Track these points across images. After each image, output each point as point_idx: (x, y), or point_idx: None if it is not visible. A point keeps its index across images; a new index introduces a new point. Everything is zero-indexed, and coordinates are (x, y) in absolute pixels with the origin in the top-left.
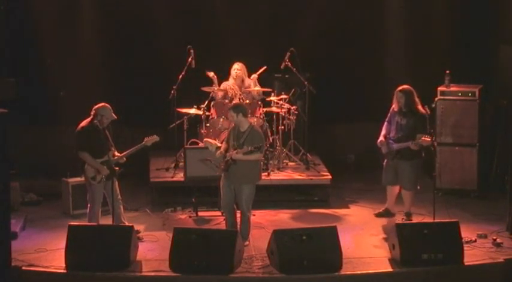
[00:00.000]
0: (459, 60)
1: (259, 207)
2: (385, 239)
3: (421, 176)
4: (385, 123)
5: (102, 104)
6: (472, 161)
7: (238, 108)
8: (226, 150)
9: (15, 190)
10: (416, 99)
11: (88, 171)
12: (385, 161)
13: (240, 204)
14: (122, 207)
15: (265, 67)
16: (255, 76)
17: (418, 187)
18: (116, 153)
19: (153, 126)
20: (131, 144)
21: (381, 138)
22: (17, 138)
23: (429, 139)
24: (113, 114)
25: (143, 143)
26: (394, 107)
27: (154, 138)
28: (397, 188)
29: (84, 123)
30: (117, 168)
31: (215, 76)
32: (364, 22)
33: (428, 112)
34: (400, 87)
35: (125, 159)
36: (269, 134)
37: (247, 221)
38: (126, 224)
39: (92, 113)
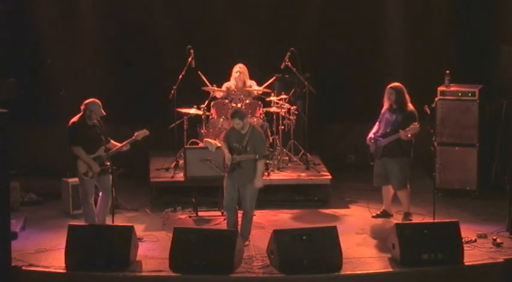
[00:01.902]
0: (459, 60)
1: (259, 207)
2: (385, 239)
3: (409, 175)
4: (377, 122)
5: (92, 99)
6: (472, 161)
7: (242, 113)
8: (229, 151)
9: (15, 190)
10: (407, 97)
11: (80, 166)
12: (374, 161)
13: (244, 204)
14: (109, 204)
15: (275, 77)
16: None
17: (408, 186)
18: (114, 143)
19: (153, 126)
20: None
21: (370, 135)
22: (17, 138)
23: (417, 125)
24: (102, 110)
25: (133, 137)
26: (385, 104)
27: (145, 132)
28: (391, 188)
29: (75, 118)
30: (108, 163)
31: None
32: (364, 22)
33: (429, 112)
34: (391, 84)
35: (128, 147)
36: (269, 134)
37: (250, 220)
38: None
39: (82, 108)
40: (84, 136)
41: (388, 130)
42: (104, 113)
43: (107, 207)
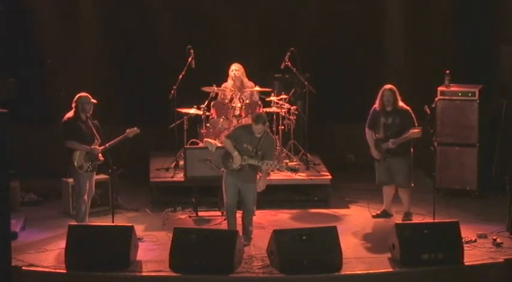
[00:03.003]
0: (459, 60)
1: (259, 207)
2: (385, 239)
3: (413, 172)
4: (367, 129)
5: (79, 94)
6: (472, 161)
7: (265, 119)
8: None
9: (15, 190)
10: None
11: (75, 160)
12: (377, 162)
13: (247, 203)
14: (89, 202)
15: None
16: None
17: (412, 184)
18: (97, 147)
19: (153, 126)
20: (131, 143)
21: (373, 149)
22: (17, 138)
23: (418, 130)
24: (93, 100)
25: (125, 134)
26: (377, 106)
27: (136, 130)
28: (392, 189)
29: (69, 114)
30: (102, 158)
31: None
32: (364, 22)
33: (429, 112)
34: (388, 86)
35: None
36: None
37: (252, 220)
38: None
39: (73, 105)
40: (78, 131)
41: (389, 133)
42: (95, 101)
43: (87, 207)
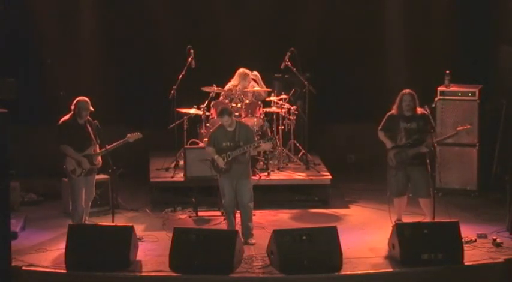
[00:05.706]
0: (459, 60)
1: (259, 207)
2: (385, 239)
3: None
4: (382, 132)
5: (79, 97)
6: (472, 161)
7: (230, 110)
8: (219, 152)
9: (15, 190)
10: None
11: (68, 164)
12: (395, 171)
13: (243, 199)
14: (89, 204)
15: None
16: (256, 75)
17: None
18: (97, 150)
19: (153, 126)
20: (131, 144)
21: (392, 154)
22: (17, 138)
23: (468, 126)
24: (90, 107)
25: (125, 139)
26: (395, 111)
27: (137, 135)
28: (406, 198)
29: (65, 117)
30: (96, 162)
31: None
32: (364, 22)
33: (429, 112)
34: (407, 91)
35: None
36: (269, 134)
37: (251, 216)
38: (87, 221)
39: (72, 108)
40: (72, 134)
41: (413, 138)
42: (92, 109)
43: (87, 206)
